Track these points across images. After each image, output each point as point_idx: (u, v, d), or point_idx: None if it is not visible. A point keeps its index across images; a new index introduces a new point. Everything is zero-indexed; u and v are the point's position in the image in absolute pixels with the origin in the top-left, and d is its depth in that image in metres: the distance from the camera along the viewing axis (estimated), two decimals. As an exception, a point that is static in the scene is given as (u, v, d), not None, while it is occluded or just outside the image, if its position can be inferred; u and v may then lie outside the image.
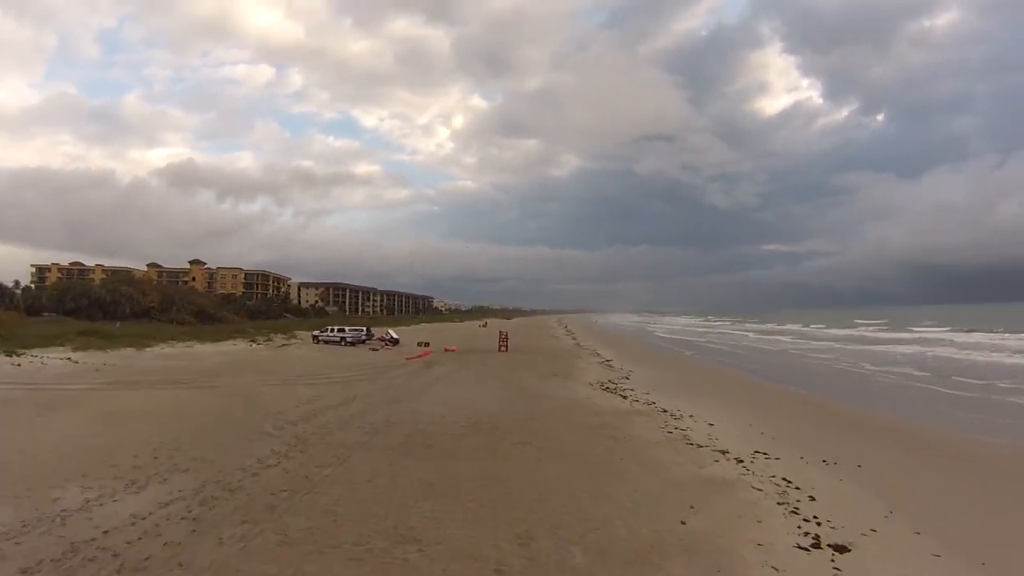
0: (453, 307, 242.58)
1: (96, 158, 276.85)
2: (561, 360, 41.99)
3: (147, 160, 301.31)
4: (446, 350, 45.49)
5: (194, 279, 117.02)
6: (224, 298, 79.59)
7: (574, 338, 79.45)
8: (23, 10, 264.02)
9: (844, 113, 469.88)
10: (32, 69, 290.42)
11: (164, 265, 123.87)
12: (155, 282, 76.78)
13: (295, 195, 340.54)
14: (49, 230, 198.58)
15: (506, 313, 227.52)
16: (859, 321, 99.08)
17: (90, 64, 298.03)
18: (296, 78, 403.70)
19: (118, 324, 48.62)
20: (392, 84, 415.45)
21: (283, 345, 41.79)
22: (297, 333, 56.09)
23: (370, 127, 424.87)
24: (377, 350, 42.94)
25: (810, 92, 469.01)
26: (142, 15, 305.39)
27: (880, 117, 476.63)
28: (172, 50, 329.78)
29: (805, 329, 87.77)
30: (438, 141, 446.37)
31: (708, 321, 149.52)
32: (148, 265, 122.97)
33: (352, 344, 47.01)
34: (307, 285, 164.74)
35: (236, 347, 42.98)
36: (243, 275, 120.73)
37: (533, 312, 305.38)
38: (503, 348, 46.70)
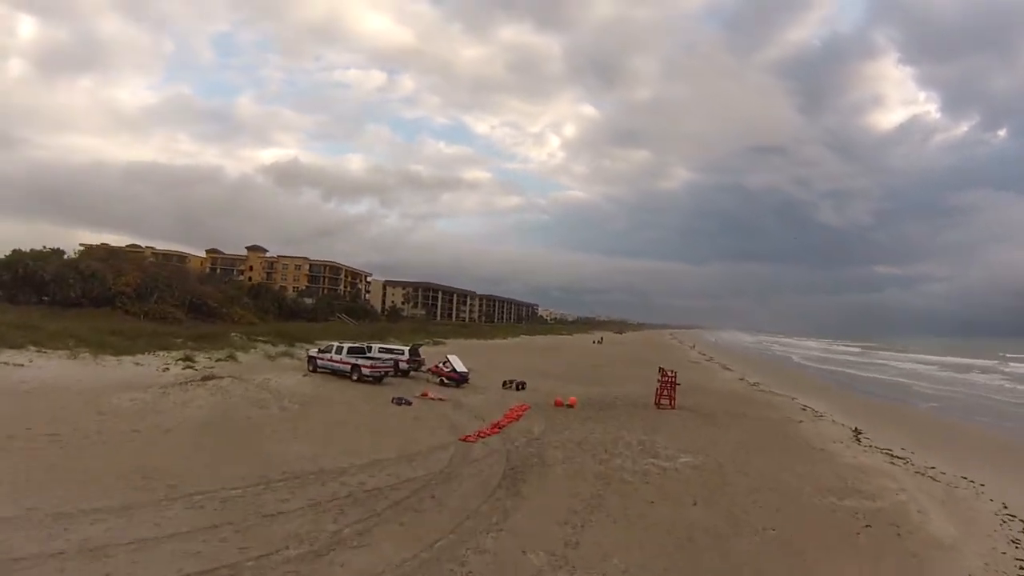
0: (559, 316, 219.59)
1: (210, 157, 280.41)
2: (800, 449, 18.24)
3: (258, 159, 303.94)
4: (558, 404, 21.71)
5: (251, 268, 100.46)
6: (253, 289, 60.11)
7: (727, 368, 53.40)
8: (142, 16, 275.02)
9: (964, 128, 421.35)
10: (151, 71, 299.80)
11: (225, 252, 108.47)
12: (148, 261, 58.17)
13: (403, 197, 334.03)
14: (157, 222, 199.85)
15: (616, 326, 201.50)
16: (1012, 355, 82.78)
17: (206, 67, 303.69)
18: (407, 83, 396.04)
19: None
20: (503, 92, 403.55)
21: (207, 379, 19.04)
22: (308, 345, 34.44)
23: (482, 134, 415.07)
24: (409, 404, 19.59)
25: (927, 106, 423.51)
26: (255, 20, 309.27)
27: (1003, 132, 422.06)
28: (285, 53, 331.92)
29: (1005, 368, 65.67)
30: (549, 150, 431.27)
31: (843, 346, 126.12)
32: (207, 251, 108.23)
33: (374, 380, 24.10)
34: (393, 283, 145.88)
35: (137, 368, 21.48)
36: (308, 266, 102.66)
37: (640, 326, 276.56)
38: (665, 401, 22.58)
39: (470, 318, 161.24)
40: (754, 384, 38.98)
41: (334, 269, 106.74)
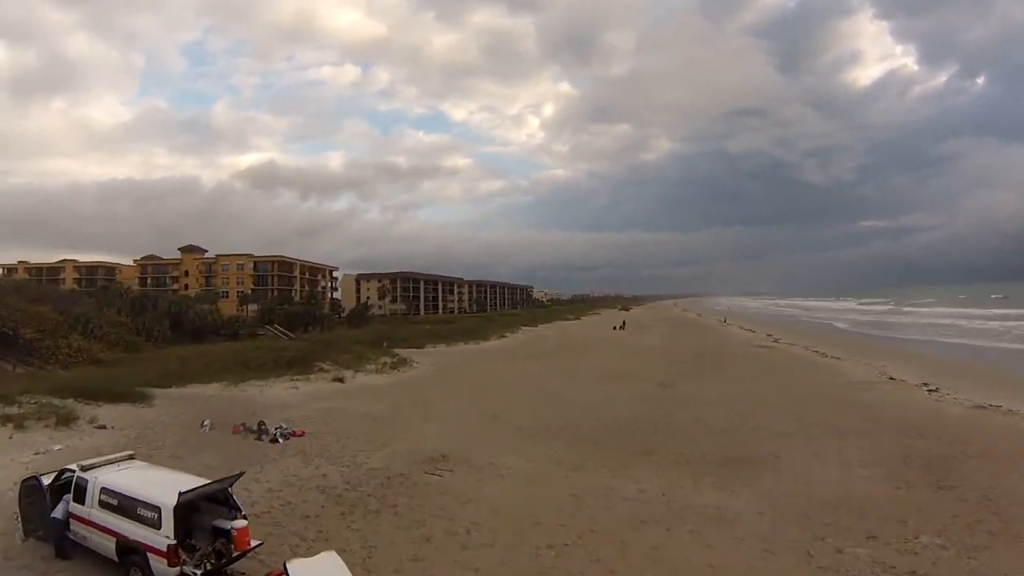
0: (555, 296, 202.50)
1: (187, 168, 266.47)
2: None
3: (236, 166, 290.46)
4: None
5: (186, 273, 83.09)
6: (138, 302, 42.58)
7: (828, 354, 36.17)
8: (109, 32, 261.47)
9: (942, 78, 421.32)
10: (124, 87, 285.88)
11: (163, 258, 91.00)
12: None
13: (381, 189, 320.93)
14: (136, 238, 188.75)
15: (614, 302, 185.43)
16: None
17: (178, 77, 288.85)
18: (382, 76, 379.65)
19: None
20: (479, 76, 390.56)
21: None
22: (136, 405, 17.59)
23: (460, 120, 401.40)
24: None
25: (904, 59, 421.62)
26: (224, 25, 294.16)
27: (981, 80, 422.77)
28: (257, 57, 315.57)
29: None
30: (529, 131, 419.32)
31: (864, 304, 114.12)
32: (139, 259, 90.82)
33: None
34: (367, 277, 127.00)
35: None
36: (252, 264, 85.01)
37: (636, 299, 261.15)
38: None
39: (459, 308, 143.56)
40: (939, 392, 21.88)
41: (285, 266, 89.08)
